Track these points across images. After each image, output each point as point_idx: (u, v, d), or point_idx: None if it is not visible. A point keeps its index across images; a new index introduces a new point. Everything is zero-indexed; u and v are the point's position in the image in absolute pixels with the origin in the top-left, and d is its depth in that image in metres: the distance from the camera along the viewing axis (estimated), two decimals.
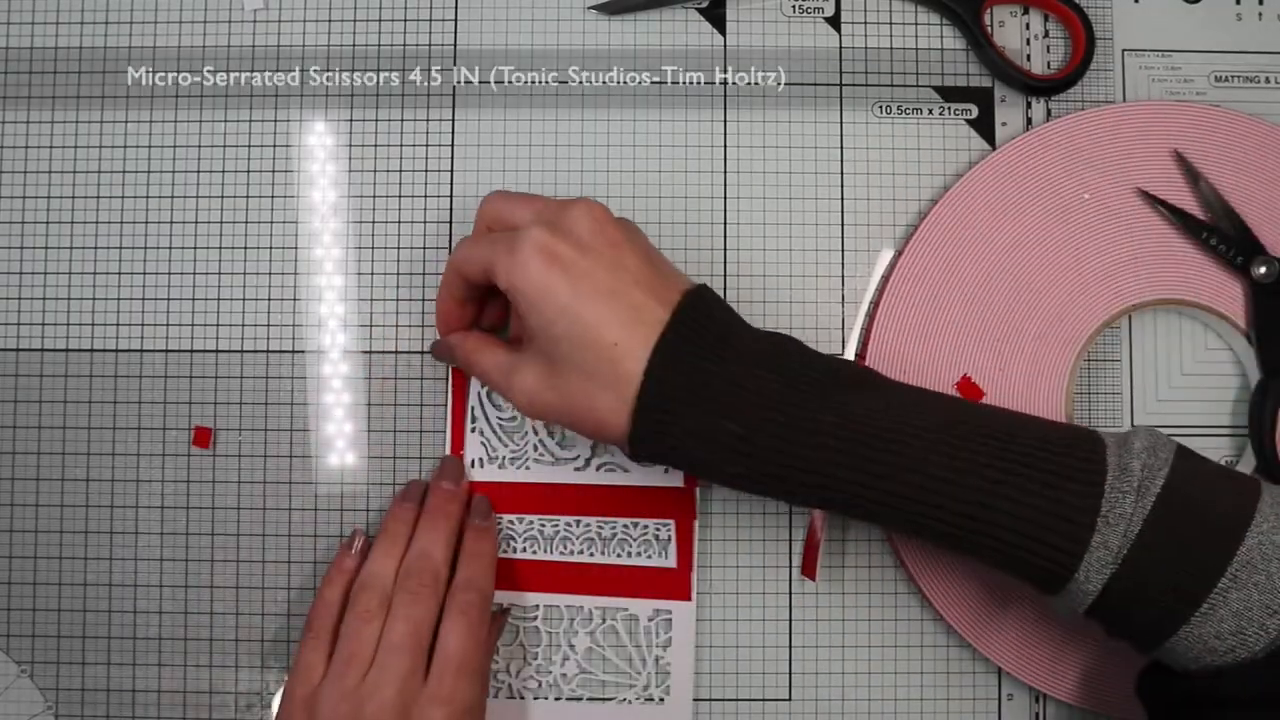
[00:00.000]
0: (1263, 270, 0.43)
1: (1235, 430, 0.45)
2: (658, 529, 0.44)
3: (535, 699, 0.44)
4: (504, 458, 0.44)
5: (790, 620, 0.44)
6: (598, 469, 0.44)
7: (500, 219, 0.39)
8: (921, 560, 0.43)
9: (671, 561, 0.44)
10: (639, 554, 0.44)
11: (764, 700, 0.44)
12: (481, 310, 0.43)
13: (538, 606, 0.44)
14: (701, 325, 0.36)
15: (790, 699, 0.44)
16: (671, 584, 0.44)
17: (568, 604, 0.44)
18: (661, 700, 0.43)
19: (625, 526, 0.44)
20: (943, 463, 0.34)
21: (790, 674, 0.44)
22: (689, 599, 0.44)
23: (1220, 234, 0.44)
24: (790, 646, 0.44)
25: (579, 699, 0.44)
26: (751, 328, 0.38)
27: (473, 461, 0.44)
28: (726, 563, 0.44)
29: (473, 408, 0.44)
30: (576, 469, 0.44)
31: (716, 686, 0.44)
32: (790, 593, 0.45)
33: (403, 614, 0.39)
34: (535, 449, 0.44)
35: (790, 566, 0.45)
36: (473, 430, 0.44)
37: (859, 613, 0.44)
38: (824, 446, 0.35)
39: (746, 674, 0.44)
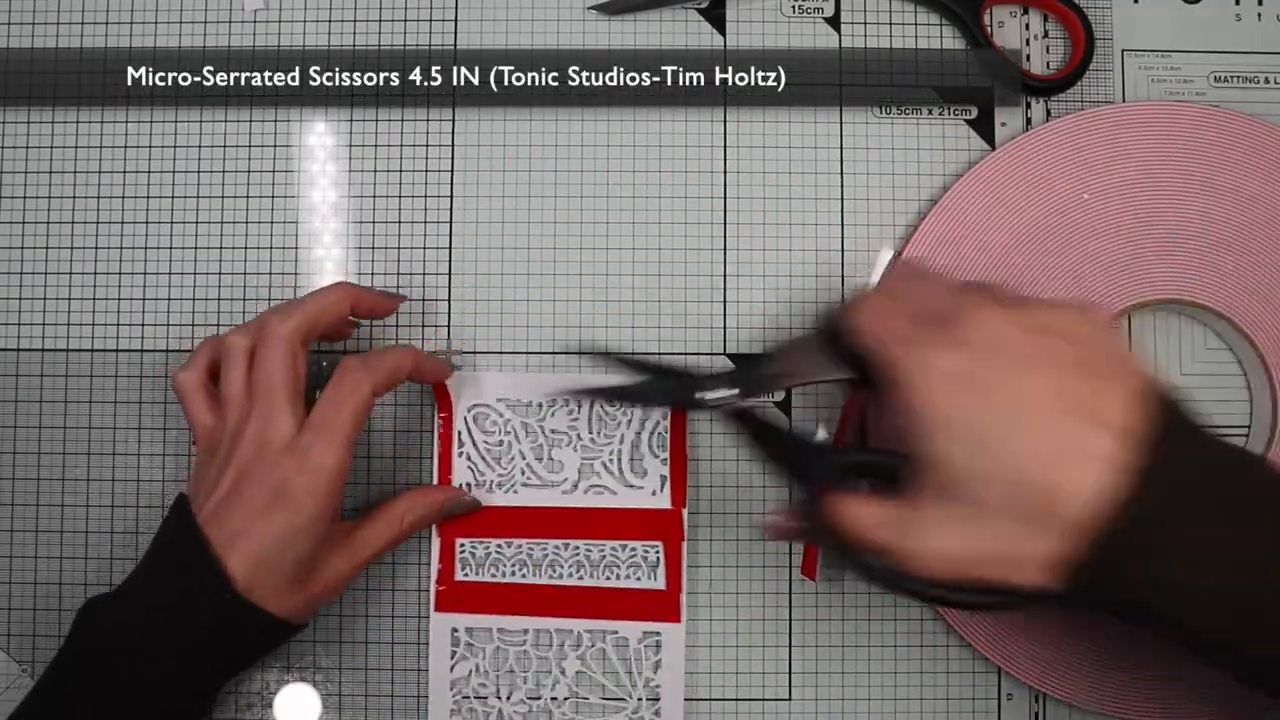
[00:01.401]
0: None
1: (1235, 430, 0.45)
2: (646, 551, 0.44)
3: None
4: (491, 481, 0.44)
5: (790, 620, 0.44)
6: (585, 491, 0.44)
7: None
8: None
9: (660, 583, 0.44)
10: (628, 576, 0.44)
11: (763, 700, 0.44)
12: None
13: (527, 631, 0.44)
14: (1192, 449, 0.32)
15: (790, 699, 0.44)
16: (660, 606, 0.44)
17: (557, 628, 0.44)
18: None
19: (614, 549, 0.44)
20: None
21: (790, 674, 0.44)
22: (678, 620, 0.43)
23: None
24: (790, 646, 0.44)
25: None
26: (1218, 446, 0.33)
27: (460, 486, 0.44)
28: (726, 562, 0.44)
29: (459, 431, 0.44)
30: (564, 492, 0.44)
31: (715, 686, 0.44)
32: (790, 593, 0.45)
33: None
34: (523, 473, 0.44)
35: (790, 566, 0.45)
36: (460, 454, 0.44)
37: (859, 613, 0.44)
38: None
39: (746, 674, 0.44)
